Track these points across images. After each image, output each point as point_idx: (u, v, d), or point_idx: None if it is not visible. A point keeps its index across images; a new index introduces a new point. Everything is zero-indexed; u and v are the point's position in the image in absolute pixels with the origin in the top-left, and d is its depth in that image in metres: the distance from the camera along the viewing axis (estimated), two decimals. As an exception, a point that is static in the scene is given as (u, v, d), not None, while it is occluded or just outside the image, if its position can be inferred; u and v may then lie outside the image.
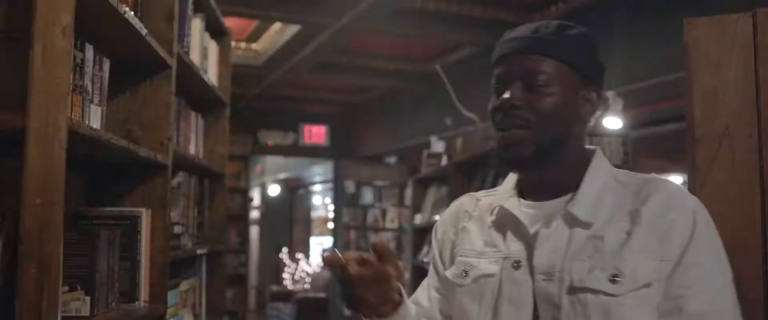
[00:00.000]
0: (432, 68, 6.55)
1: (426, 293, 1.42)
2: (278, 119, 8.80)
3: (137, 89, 1.81)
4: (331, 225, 17.81)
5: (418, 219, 5.42)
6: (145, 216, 1.72)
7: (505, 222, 1.28)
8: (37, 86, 1.03)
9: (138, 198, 1.79)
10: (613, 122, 4.23)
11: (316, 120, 9.23)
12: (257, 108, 8.39)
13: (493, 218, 1.30)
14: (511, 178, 1.33)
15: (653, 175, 1.26)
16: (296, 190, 16.06)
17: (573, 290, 1.16)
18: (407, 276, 6.95)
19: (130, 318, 1.55)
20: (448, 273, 1.34)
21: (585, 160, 1.25)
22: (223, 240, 2.75)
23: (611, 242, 1.16)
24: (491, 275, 1.26)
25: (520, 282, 1.22)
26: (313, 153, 9.43)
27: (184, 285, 2.18)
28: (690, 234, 1.15)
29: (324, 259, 1.12)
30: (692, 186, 1.49)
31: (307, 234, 16.75)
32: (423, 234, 5.46)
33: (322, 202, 17.88)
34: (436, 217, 4.91)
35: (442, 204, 4.99)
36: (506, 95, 1.20)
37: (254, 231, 12.37)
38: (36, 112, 1.02)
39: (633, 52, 4.48)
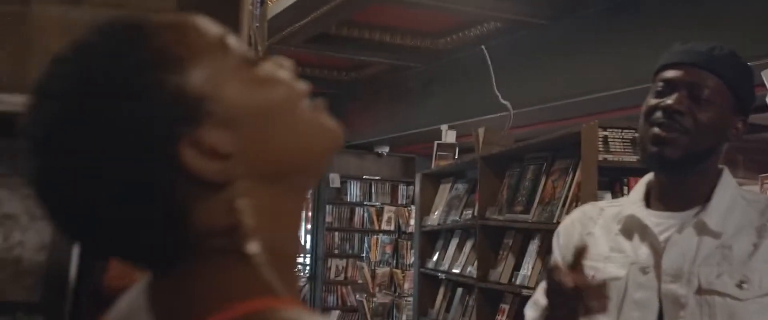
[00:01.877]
0: (444, 44, 6.74)
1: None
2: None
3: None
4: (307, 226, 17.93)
5: (430, 220, 5.47)
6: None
7: (633, 230, 1.60)
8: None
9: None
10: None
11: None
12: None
13: (620, 226, 1.62)
14: (639, 189, 1.64)
15: None
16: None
17: (701, 291, 1.48)
18: (409, 285, 7.12)
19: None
20: None
21: (716, 176, 1.58)
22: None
23: (739, 252, 1.49)
24: (618, 278, 1.57)
25: (646, 285, 1.54)
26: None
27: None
28: None
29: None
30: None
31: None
32: (434, 238, 5.48)
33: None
34: (454, 218, 5.06)
35: (460, 205, 5.06)
36: (671, 99, 1.51)
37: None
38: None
39: (692, 35, 4.74)
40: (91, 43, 0.65)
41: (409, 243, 7.88)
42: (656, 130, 1.52)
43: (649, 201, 1.61)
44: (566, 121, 5.88)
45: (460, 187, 5.27)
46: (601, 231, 1.64)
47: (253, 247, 0.64)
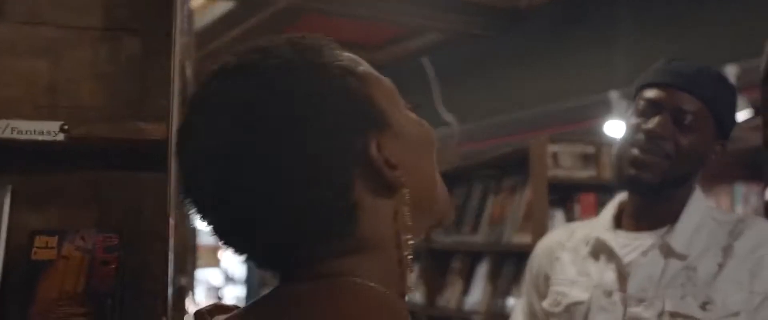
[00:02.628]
0: (381, 57, 6.80)
1: None
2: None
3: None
4: (222, 253, 17.71)
5: None
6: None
7: (599, 253, 1.68)
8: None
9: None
10: (617, 127, 4.61)
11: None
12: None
13: (588, 249, 1.70)
14: (610, 209, 1.73)
15: (748, 214, 1.65)
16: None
17: (665, 314, 1.54)
18: None
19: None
20: (545, 304, 1.73)
21: (687, 196, 1.66)
22: (186, 269, 2.88)
23: (704, 273, 1.56)
24: (581, 302, 1.66)
25: (609, 309, 1.62)
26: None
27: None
28: None
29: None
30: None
31: (192, 266, 16.57)
32: None
33: (212, 225, 17.70)
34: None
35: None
36: (653, 123, 1.59)
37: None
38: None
39: (642, 47, 4.89)
40: (286, 52, 0.76)
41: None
42: (636, 152, 1.59)
43: (620, 220, 1.69)
44: (516, 137, 5.98)
45: (404, 208, 5.31)
46: (569, 255, 1.73)
47: (409, 254, 0.77)
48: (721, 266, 1.56)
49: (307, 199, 0.73)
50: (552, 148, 3.34)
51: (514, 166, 3.61)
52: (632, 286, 1.58)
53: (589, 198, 3.35)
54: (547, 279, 1.75)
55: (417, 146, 0.81)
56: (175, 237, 2.73)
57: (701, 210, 1.65)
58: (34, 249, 1.25)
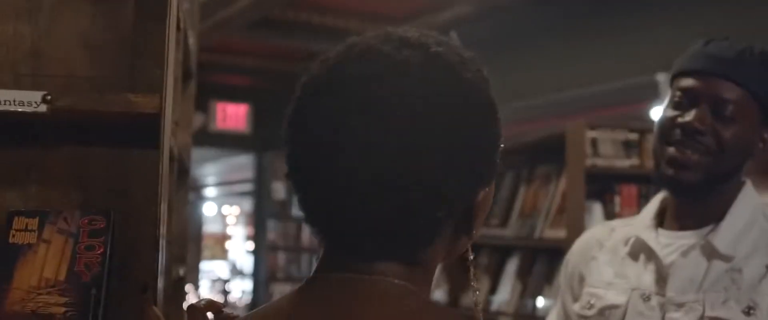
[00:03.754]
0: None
1: None
2: (179, 94, 8.84)
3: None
4: (229, 244, 17.80)
5: None
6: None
7: (639, 253, 1.67)
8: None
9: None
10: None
11: (233, 96, 9.30)
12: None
13: (627, 249, 1.69)
14: (652, 207, 1.71)
15: None
16: (184, 195, 16.00)
17: (705, 319, 1.53)
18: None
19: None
20: (576, 307, 1.72)
21: (736, 191, 1.63)
22: (186, 259, 2.89)
23: (750, 276, 1.54)
24: (617, 306, 1.65)
25: (646, 314, 1.60)
26: (227, 142, 9.51)
27: None
28: None
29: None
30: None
31: (196, 257, 16.70)
32: None
33: (218, 212, 17.83)
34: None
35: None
36: (690, 116, 1.55)
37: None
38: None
39: (695, 22, 4.82)
40: (451, 56, 0.89)
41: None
42: (672, 151, 1.56)
43: (663, 218, 1.67)
44: (552, 121, 5.93)
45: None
46: (606, 256, 1.72)
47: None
48: None
49: (444, 206, 0.85)
50: (591, 134, 3.30)
51: (548, 153, 3.58)
52: (672, 289, 1.57)
53: (631, 189, 3.31)
54: (581, 279, 1.74)
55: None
56: (173, 223, 2.74)
57: (751, 207, 1.62)
58: (13, 232, 1.24)
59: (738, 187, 1.63)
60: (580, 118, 3.61)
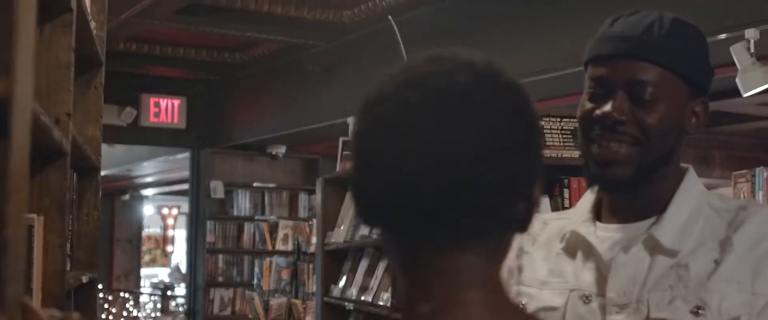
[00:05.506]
0: (350, 17, 6.69)
1: None
2: (108, 87, 8.66)
3: (21, 42, 1.86)
4: (171, 248, 17.65)
5: (334, 237, 5.42)
6: (37, 225, 1.77)
7: (576, 250, 1.58)
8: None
9: (23, 200, 1.84)
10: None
11: (167, 89, 9.17)
12: (79, 69, 8.25)
13: (563, 244, 1.60)
14: (587, 200, 1.62)
15: (751, 201, 1.55)
16: (119, 195, 15.79)
17: None
18: (311, 318, 7.05)
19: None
20: None
21: (677, 179, 1.55)
22: (97, 265, 2.80)
23: (697, 272, 1.46)
24: (554, 308, 1.56)
25: (587, 317, 1.52)
26: (161, 138, 9.37)
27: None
28: None
29: None
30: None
31: (136, 261, 16.51)
32: (339, 259, 5.44)
33: (157, 213, 17.67)
34: (365, 233, 5.02)
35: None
36: (608, 107, 1.47)
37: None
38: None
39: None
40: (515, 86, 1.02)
41: (311, 266, 7.78)
42: (596, 148, 1.49)
43: (599, 212, 1.59)
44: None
45: (370, 195, 5.27)
46: (539, 251, 1.64)
47: None
48: (717, 263, 1.46)
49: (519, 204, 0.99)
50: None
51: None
52: (612, 289, 1.49)
53: (581, 182, 3.25)
54: (510, 276, 1.65)
55: None
56: (76, 225, 2.64)
57: (695, 196, 1.54)
58: None
59: (680, 174, 1.56)
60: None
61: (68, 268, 2.35)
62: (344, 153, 5.87)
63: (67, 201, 1.89)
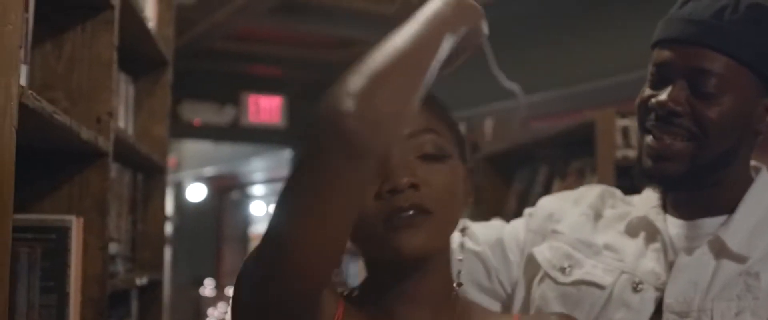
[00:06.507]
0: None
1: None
2: (209, 86, 8.81)
3: (63, 39, 1.85)
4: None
5: None
6: (75, 227, 1.74)
7: (640, 232, 1.43)
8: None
9: (63, 202, 1.82)
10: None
11: (266, 88, 9.25)
12: (180, 68, 8.35)
13: (623, 226, 1.46)
14: (651, 193, 1.49)
15: None
16: (228, 193, 16.07)
17: None
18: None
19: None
20: (537, 252, 1.49)
21: (748, 178, 1.43)
22: (162, 265, 2.79)
23: None
24: (599, 286, 1.41)
25: (634, 308, 1.37)
26: (261, 137, 9.45)
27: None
28: None
29: None
30: None
31: (243, 258, 16.68)
32: None
33: (267, 212, 17.89)
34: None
35: (463, 217, 5.00)
36: (664, 95, 1.35)
37: (164, 255, 12.39)
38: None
39: None
40: None
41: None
42: (650, 139, 1.38)
43: (665, 205, 1.47)
44: (582, 113, 5.76)
45: (464, 195, 5.23)
46: (592, 221, 1.51)
47: None
48: None
49: None
50: (622, 123, 3.11)
51: (580, 145, 3.41)
52: (671, 293, 1.36)
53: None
54: (555, 220, 1.54)
55: None
56: (139, 225, 2.63)
57: None
58: None
59: (750, 173, 1.44)
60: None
61: (123, 271, 2.34)
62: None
63: (108, 202, 1.85)
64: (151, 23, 2.53)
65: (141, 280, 2.38)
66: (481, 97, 6.35)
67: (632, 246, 1.44)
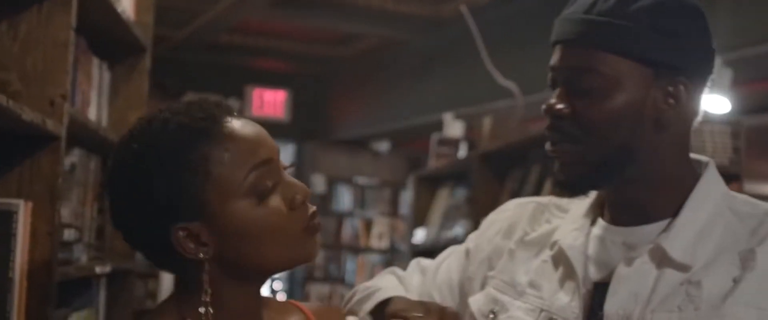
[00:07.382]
0: (449, 12, 6.56)
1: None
2: (213, 79, 8.81)
3: (18, 20, 1.82)
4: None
5: (421, 235, 5.38)
6: (22, 211, 1.72)
7: (559, 261, 1.40)
8: None
9: (12, 185, 1.80)
10: (717, 103, 4.27)
11: (270, 82, 9.24)
12: (182, 60, 8.37)
13: (552, 252, 1.42)
14: (590, 195, 1.42)
15: None
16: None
17: None
18: None
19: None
20: (472, 302, 1.48)
21: (689, 178, 1.35)
22: (133, 255, 2.76)
23: (711, 291, 1.27)
24: None
25: None
26: (267, 130, 9.43)
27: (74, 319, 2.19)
28: None
29: None
30: None
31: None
32: (427, 257, 5.41)
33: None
34: (450, 233, 4.91)
35: (458, 215, 4.97)
36: (552, 100, 1.32)
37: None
38: None
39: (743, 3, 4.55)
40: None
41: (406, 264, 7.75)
42: (547, 145, 1.35)
43: (603, 207, 1.42)
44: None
45: (460, 193, 5.18)
46: (525, 252, 1.47)
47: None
48: (736, 282, 1.27)
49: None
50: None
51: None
52: (612, 306, 1.30)
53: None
54: (490, 267, 1.51)
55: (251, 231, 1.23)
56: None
57: (715, 197, 1.34)
58: None
59: (691, 170, 1.37)
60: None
61: (85, 259, 2.31)
62: (438, 150, 5.80)
63: (59, 188, 1.82)
64: (126, 9, 2.50)
65: (103, 268, 2.34)
66: (480, 96, 6.33)
67: (554, 277, 1.40)
